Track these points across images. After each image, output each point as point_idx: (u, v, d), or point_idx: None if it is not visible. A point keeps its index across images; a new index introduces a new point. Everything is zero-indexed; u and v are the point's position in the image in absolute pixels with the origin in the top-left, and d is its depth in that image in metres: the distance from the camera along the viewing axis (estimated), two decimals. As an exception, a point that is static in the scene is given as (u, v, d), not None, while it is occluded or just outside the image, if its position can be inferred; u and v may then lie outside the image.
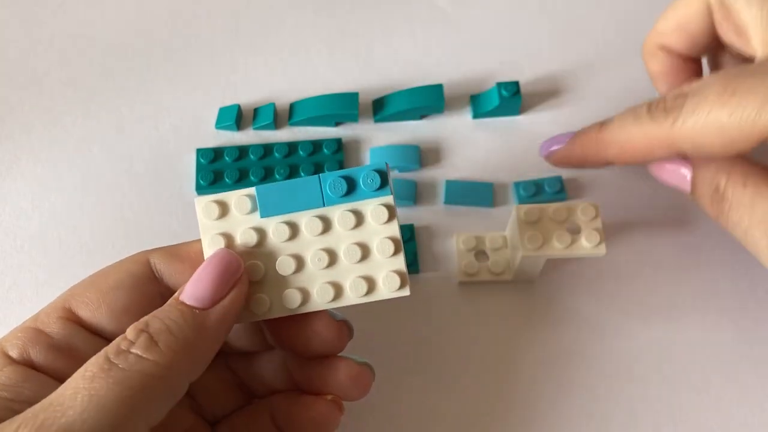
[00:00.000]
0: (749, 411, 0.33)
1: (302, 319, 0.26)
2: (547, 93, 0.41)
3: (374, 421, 0.33)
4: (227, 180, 0.38)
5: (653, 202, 0.37)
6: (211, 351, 0.24)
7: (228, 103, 0.41)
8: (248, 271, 0.26)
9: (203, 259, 0.26)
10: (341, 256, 0.26)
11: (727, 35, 0.31)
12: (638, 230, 0.37)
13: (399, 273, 0.26)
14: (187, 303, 0.24)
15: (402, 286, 0.26)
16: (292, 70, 0.42)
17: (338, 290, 0.26)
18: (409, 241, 0.36)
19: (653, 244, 0.36)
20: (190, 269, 0.26)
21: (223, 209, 0.26)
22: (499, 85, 0.39)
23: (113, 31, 0.43)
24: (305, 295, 0.26)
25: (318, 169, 0.38)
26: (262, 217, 0.26)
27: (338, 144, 0.39)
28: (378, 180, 0.25)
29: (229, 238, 0.26)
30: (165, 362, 0.22)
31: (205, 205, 0.26)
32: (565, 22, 0.43)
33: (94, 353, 0.24)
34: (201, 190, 0.38)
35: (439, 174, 0.38)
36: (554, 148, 0.34)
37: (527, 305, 0.35)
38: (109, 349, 0.22)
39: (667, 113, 0.28)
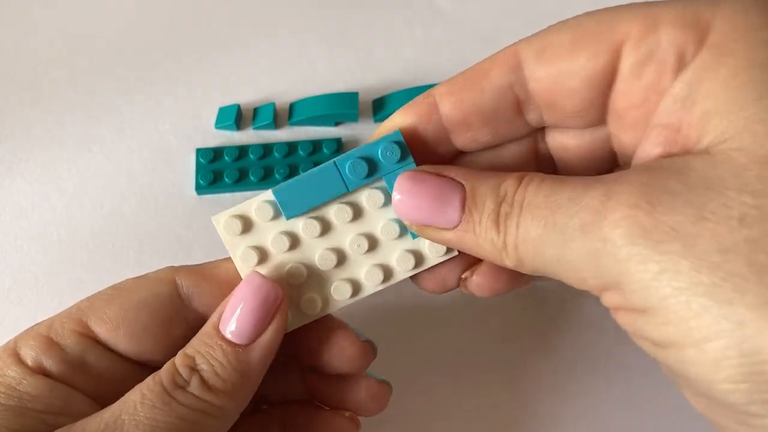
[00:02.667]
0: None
1: (327, 337, 0.26)
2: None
3: (374, 421, 0.33)
4: (227, 180, 0.38)
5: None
6: (257, 383, 0.24)
7: (228, 103, 0.41)
8: (290, 276, 0.25)
9: (235, 280, 0.25)
10: (380, 236, 0.25)
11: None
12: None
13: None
14: (229, 339, 0.23)
15: (449, 249, 0.25)
16: (292, 70, 0.42)
17: (387, 270, 0.25)
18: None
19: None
20: (219, 292, 0.25)
21: (245, 222, 0.25)
22: (499, 85, 0.39)
23: (113, 31, 0.43)
24: (354, 284, 0.25)
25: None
26: (288, 219, 0.25)
27: (338, 144, 0.39)
28: (398, 151, 0.24)
29: (260, 250, 0.25)
30: (219, 404, 0.22)
31: (225, 221, 0.25)
32: (565, 22, 0.43)
33: (108, 369, 0.24)
34: (201, 190, 0.38)
35: (439, 174, 0.38)
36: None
37: (528, 305, 0.35)
38: (165, 379, 0.22)
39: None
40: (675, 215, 0.17)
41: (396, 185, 0.23)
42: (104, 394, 0.24)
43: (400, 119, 0.24)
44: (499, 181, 0.22)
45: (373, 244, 0.25)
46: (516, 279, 0.26)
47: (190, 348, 0.23)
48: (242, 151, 0.39)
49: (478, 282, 0.26)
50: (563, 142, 0.25)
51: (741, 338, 0.16)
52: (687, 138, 0.19)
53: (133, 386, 0.23)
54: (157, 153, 0.39)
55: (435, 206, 0.22)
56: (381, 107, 0.40)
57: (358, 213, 0.25)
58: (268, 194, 0.25)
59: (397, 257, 0.25)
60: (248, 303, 0.23)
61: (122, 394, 0.22)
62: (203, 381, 0.23)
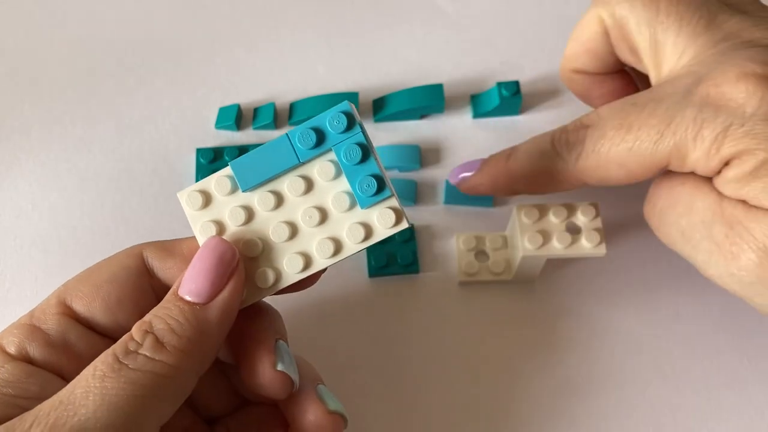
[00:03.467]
0: (751, 412, 0.33)
1: (250, 355, 0.25)
2: (547, 93, 0.41)
3: (374, 421, 0.33)
4: (227, 180, 0.38)
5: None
6: (217, 345, 0.24)
7: (228, 103, 0.41)
8: (246, 249, 0.25)
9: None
10: (330, 208, 0.25)
11: (624, 55, 0.32)
12: (639, 229, 0.37)
13: (393, 209, 0.25)
14: (186, 299, 0.24)
15: (398, 221, 0.25)
16: (292, 70, 0.42)
17: (337, 243, 0.25)
18: (409, 241, 0.36)
19: (654, 243, 0.36)
20: (182, 265, 0.26)
21: (206, 196, 0.26)
22: (500, 84, 0.39)
23: (113, 31, 0.43)
24: (307, 258, 0.25)
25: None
26: (243, 191, 0.25)
27: (338, 144, 0.39)
28: (344, 120, 0.24)
29: (219, 223, 0.26)
30: (173, 362, 0.22)
31: (188, 196, 0.26)
32: (565, 21, 0.43)
33: (89, 349, 0.25)
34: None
35: (439, 174, 0.38)
36: (464, 175, 0.35)
37: (527, 305, 0.35)
38: (117, 348, 0.22)
39: (570, 149, 0.30)
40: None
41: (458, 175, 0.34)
42: None
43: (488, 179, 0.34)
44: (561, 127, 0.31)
45: (324, 216, 0.25)
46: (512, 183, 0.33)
47: (148, 315, 0.24)
48: (242, 151, 0.39)
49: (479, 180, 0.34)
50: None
51: None
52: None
53: None
54: (157, 153, 0.39)
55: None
56: (381, 107, 0.40)
57: (310, 186, 0.25)
58: (227, 169, 0.26)
59: (347, 229, 0.25)
60: (204, 261, 0.24)
61: None
62: (156, 341, 0.22)
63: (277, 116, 0.40)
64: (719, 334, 0.34)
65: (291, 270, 0.25)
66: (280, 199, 0.26)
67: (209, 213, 0.26)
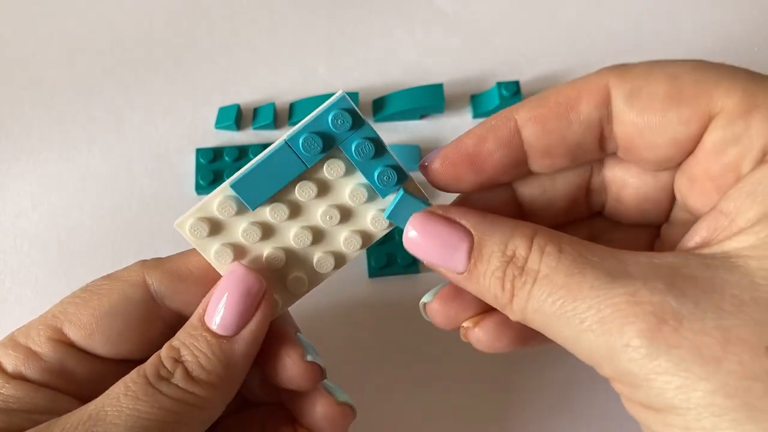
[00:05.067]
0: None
1: (274, 351, 0.25)
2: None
3: (374, 420, 0.33)
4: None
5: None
6: (244, 373, 0.24)
7: (228, 103, 0.41)
8: (270, 262, 0.25)
9: (208, 273, 0.25)
10: (349, 203, 0.25)
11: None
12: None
13: (413, 190, 0.25)
14: (214, 330, 0.23)
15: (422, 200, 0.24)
16: (292, 70, 0.42)
17: (364, 235, 0.25)
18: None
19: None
20: (195, 289, 0.25)
21: (211, 222, 0.24)
22: (499, 84, 0.39)
23: (113, 31, 0.43)
24: (337, 255, 0.25)
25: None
26: (253, 209, 0.24)
27: (338, 144, 0.39)
28: (349, 118, 0.23)
29: (235, 246, 0.25)
30: (204, 395, 0.23)
31: (190, 225, 0.24)
32: (565, 21, 0.43)
33: (88, 371, 0.24)
34: (201, 189, 0.38)
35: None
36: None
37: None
38: (149, 370, 0.22)
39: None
40: (703, 336, 0.17)
41: (409, 222, 0.23)
42: (89, 393, 0.24)
43: (474, 141, 0.24)
44: (506, 236, 0.21)
45: (345, 212, 0.25)
46: (520, 341, 0.25)
47: (175, 340, 0.23)
48: (242, 151, 0.39)
49: (478, 336, 0.25)
50: (624, 179, 0.25)
51: None
52: (730, 230, 0.19)
53: (115, 382, 0.23)
54: (157, 153, 0.39)
55: (444, 251, 0.22)
56: (381, 107, 0.40)
57: (322, 187, 0.24)
58: (226, 189, 0.24)
59: (371, 219, 0.25)
60: (231, 295, 0.24)
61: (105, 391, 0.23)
62: (187, 372, 0.23)
63: (277, 116, 0.40)
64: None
65: (323, 270, 0.25)
66: (294, 207, 0.25)
67: (220, 238, 0.25)
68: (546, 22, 0.43)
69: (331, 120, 0.23)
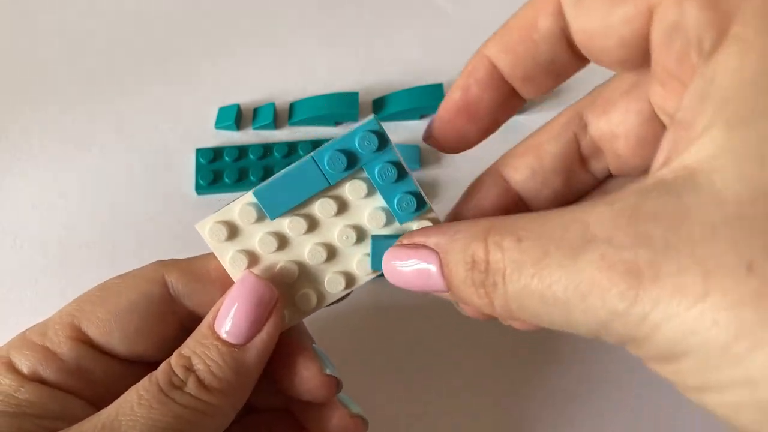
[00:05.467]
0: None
1: (292, 363, 0.25)
2: (547, 93, 0.41)
3: (374, 420, 0.33)
4: (227, 180, 0.38)
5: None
6: (254, 382, 0.24)
7: (228, 102, 0.41)
8: (282, 275, 0.25)
9: (226, 277, 0.25)
10: (367, 225, 0.25)
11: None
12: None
13: (431, 220, 0.25)
14: (224, 339, 0.23)
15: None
16: (292, 70, 0.42)
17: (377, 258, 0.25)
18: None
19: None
20: (211, 290, 0.25)
21: (230, 226, 0.24)
22: (499, 85, 0.39)
23: (113, 30, 0.43)
24: (347, 276, 0.25)
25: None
26: (272, 219, 0.24)
27: (338, 144, 0.39)
28: (375, 140, 0.24)
29: (250, 253, 0.25)
30: (216, 403, 0.23)
31: (210, 228, 0.24)
32: (565, 22, 0.43)
33: (105, 373, 0.24)
34: (201, 190, 0.38)
35: (439, 174, 0.38)
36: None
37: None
38: (161, 378, 0.22)
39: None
40: (682, 276, 0.16)
41: (382, 263, 0.23)
42: (100, 396, 0.24)
43: (459, 93, 0.23)
44: (465, 244, 0.20)
45: (361, 234, 0.25)
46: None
47: (185, 348, 0.23)
48: (242, 151, 0.39)
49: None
50: (611, 131, 0.24)
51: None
52: (688, 139, 0.18)
53: (128, 386, 0.23)
54: (157, 153, 0.39)
55: (420, 278, 0.22)
56: (381, 107, 0.40)
57: (342, 205, 0.25)
58: (249, 196, 0.24)
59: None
60: (243, 303, 0.23)
61: (118, 395, 0.22)
62: (199, 381, 0.23)
63: (276, 116, 0.40)
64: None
65: (333, 290, 0.25)
66: (312, 222, 0.25)
67: (237, 243, 0.25)
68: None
69: (359, 140, 0.24)
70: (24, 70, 0.42)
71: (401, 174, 0.24)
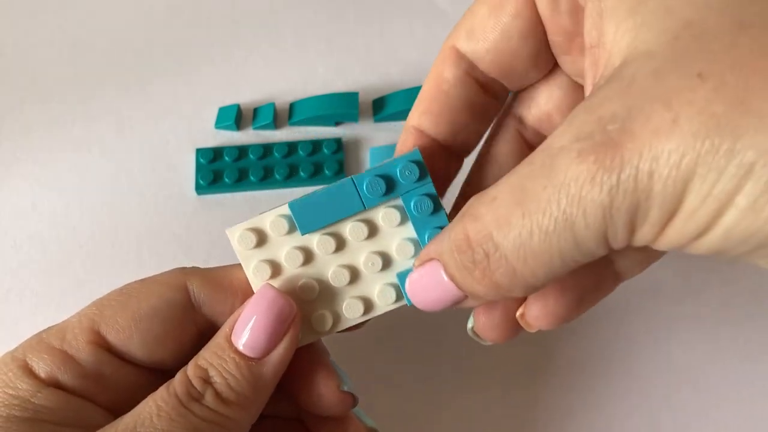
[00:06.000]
0: (753, 409, 0.33)
1: (309, 378, 0.25)
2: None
3: (377, 420, 0.33)
4: (227, 180, 0.38)
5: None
6: (269, 396, 0.24)
7: (228, 103, 0.41)
8: (302, 292, 0.25)
9: (248, 289, 0.25)
10: (394, 255, 0.25)
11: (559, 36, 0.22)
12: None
13: None
14: (241, 350, 0.23)
15: None
16: (292, 70, 0.42)
17: (399, 290, 0.25)
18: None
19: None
20: (232, 300, 0.25)
21: (260, 235, 0.25)
22: (499, 85, 0.39)
23: (113, 30, 0.43)
24: (366, 303, 0.25)
25: (318, 170, 0.38)
26: (303, 234, 0.25)
27: (338, 144, 0.39)
28: (416, 170, 0.24)
29: (274, 264, 0.25)
30: (233, 416, 0.23)
31: (240, 234, 0.24)
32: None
33: (123, 380, 0.24)
34: (201, 190, 0.38)
35: (439, 174, 0.38)
36: None
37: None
38: (179, 390, 0.22)
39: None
40: (652, 120, 0.16)
41: (407, 292, 0.24)
42: (117, 403, 0.24)
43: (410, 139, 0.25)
44: (450, 236, 0.20)
45: (387, 262, 0.25)
46: (577, 289, 0.23)
47: (201, 359, 0.23)
48: (242, 151, 0.39)
49: (535, 313, 0.24)
50: (542, 112, 0.25)
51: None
52: (603, 57, 0.19)
53: (144, 393, 0.23)
54: (157, 153, 0.39)
55: (437, 291, 0.22)
56: (381, 107, 0.40)
57: (373, 231, 0.25)
58: (284, 208, 0.24)
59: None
60: (262, 317, 0.23)
61: (134, 402, 0.22)
62: (217, 394, 0.23)
63: (276, 116, 0.40)
64: (720, 333, 0.34)
65: (350, 315, 0.25)
66: (340, 243, 0.25)
67: (263, 253, 0.25)
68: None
69: (400, 169, 0.24)
70: (24, 69, 0.42)
71: (436, 208, 0.24)
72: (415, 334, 0.35)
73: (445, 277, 0.21)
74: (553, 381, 0.34)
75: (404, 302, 0.25)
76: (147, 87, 0.41)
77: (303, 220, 0.24)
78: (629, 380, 0.34)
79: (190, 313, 0.25)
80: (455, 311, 0.23)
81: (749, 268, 0.35)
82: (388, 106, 0.40)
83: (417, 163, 0.24)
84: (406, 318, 0.35)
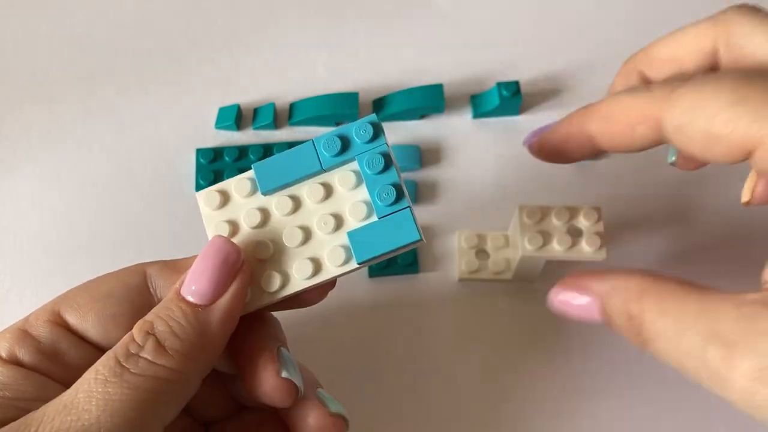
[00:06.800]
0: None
1: (253, 364, 0.25)
2: (547, 93, 0.41)
3: (374, 421, 0.33)
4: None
5: (654, 204, 0.37)
6: (219, 348, 0.24)
7: (228, 103, 0.41)
8: (256, 251, 0.25)
9: None
10: (347, 216, 0.25)
11: None
12: (638, 232, 0.37)
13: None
14: (188, 299, 0.23)
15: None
16: (292, 70, 0.42)
17: (348, 252, 0.25)
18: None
19: (653, 245, 0.36)
20: None
21: (225, 196, 0.26)
22: (499, 84, 0.39)
23: (113, 30, 0.43)
24: (317, 264, 0.25)
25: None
26: (263, 193, 0.25)
27: (338, 144, 0.39)
28: (371, 130, 0.25)
29: (233, 224, 0.25)
30: (176, 366, 0.22)
31: (206, 195, 0.26)
32: (565, 21, 0.43)
33: (80, 358, 0.25)
34: (201, 190, 0.38)
35: (439, 174, 0.38)
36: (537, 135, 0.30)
37: (527, 305, 0.35)
38: (118, 351, 0.22)
39: (665, 86, 0.24)
40: None
41: (552, 297, 0.25)
42: (75, 380, 0.23)
43: (558, 140, 0.29)
44: (623, 300, 0.23)
45: (339, 223, 0.25)
46: None
47: (150, 315, 0.23)
48: (242, 151, 0.39)
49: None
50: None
51: None
52: None
53: None
54: (157, 153, 0.39)
55: (581, 313, 0.25)
56: (381, 107, 0.40)
57: (329, 193, 0.25)
58: (250, 172, 0.26)
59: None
60: (209, 262, 0.24)
61: None
62: (158, 343, 0.22)
63: (276, 116, 0.40)
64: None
65: (299, 275, 0.25)
66: (297, 204, 0.25)
67: (225, 213, 0.26)
68: (546, 22, 0.43)
69: (355, 129, 0.25)
70: (24, 69, 0.42)
71: (387, 165, 0.25)
72: (401, 339, 0.35)
73: (596, 313, 0.24)
74: (552, 384, 0.34)
75: (353, 266, 0.25)
76: (147, 87, 0.41)
77: (264, 179, 0.25)
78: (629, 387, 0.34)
79: (146, 297, 0.26)
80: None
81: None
82: (388, 106, 0.40)
83: (373, 123, 0.25)
84: (405, 320, 0.35)
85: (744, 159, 0.22)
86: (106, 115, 0.41)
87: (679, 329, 0.22)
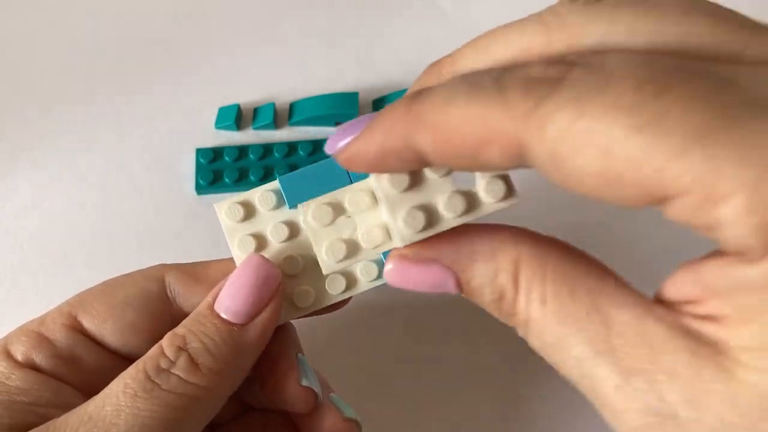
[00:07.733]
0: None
1: (273, 371, 0.25)
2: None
3: (374, 421, 0.33)
4: (227, 180, 0.38)
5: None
6: (250, 366, 0.24)
7: (228, 102, 0.41)
8: (286, 266, 0.25)
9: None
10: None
11: None
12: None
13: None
14: (224, 317, 0.23)
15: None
16: (292, 70, 0.42)
17: (381, 265, 0.24)
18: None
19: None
20: (207, 292, 0.25)
21: (248, 209, 0.25)
22: (499, 84, 0.39)
23: (113, 31, 0.43)
24: (349, 278, 0.25)
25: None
26: (290, 207, 0.25)
27: (338, 144, 0.39)
28: None
29: (259, 238, 0.25)
30: (207, 385, 0.22)
31: (228, 207, 0.25)
32: (565, 22, 0.43)
33: (97, 363, 0.24)
34: (201, 189, 0.38)
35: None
36: (344, 141, 0.19)
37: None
38: (148, 365, 0.22)
39: (528, 94, 0.15)
40: None
41: (386, 275, 0.20)
42: (93, 387, 0.23)
43: (375, 152, 0.19)
44: (490, 271, 0.19)
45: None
46: None
47: (180, 328, 0.23)
48: (242, 151, 0.39)
49: None
50: None
51: None
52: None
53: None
54: (157, 153, 0.39)
55: (433, 287, 0.20)
56: (381, 107, 0.40)
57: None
58: (274, 183, 0.25)
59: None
60: (246, 281, 0.23)
61: None
62: (191, 360, 0.22)
63: (276, 116, 0.40)
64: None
65: (333, 290, 0.25)
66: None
67: (249, 227, 0.25)
68: (546, 22, 0.43)
69: None
70: (24, 70, 0.42)
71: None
72: (406, 339, 0.35)
73: (451, 286, 0.19)
74: (551, 385, 0.34)
75: (381, 282, 0.24)
76: (147, 87, 0.41)
77: (291, 193, 0.25)
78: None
79: (165, 304, 0.25)
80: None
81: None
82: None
83: None
84: (403, 319, 0.35)
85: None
86: (105, 115, 0.41)
87: (563, 332, 0.17)
